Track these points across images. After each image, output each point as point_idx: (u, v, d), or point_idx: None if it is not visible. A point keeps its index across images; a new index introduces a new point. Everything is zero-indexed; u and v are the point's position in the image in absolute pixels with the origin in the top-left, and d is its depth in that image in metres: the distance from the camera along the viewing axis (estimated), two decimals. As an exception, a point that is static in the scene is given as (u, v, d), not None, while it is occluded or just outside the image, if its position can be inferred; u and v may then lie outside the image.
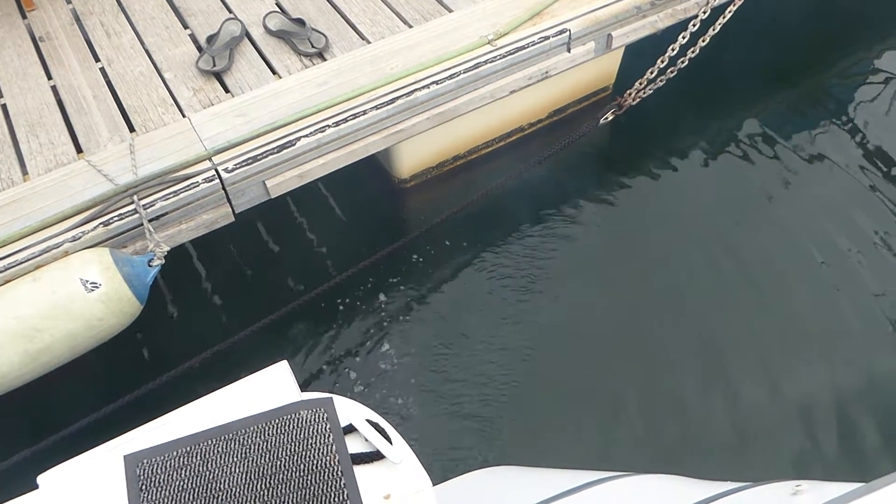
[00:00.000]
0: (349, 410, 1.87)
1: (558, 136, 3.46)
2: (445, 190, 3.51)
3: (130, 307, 2.48)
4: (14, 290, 2.37)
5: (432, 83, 2.96)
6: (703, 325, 2.99)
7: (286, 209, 3.46)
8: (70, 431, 2.41)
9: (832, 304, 3.04)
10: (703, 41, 3.35)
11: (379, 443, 1.88)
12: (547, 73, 3.23)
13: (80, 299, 2.37)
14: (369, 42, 3.18)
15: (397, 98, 2.91)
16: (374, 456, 1.85)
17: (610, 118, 3.40)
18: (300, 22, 3.21)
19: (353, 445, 1.75)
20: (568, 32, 3.15)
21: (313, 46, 3.13)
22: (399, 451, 1.89)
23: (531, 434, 2.73)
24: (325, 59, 3.11)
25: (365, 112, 2.87)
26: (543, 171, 3.42)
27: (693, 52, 3.36)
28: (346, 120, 2.85)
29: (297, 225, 3.43)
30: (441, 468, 2.58)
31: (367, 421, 1.91)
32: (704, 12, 3.35)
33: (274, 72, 3.09)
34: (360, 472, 1.70)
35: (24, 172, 2.78)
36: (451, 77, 2.99)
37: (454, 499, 2.07)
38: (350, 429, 1.81)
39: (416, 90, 2.94)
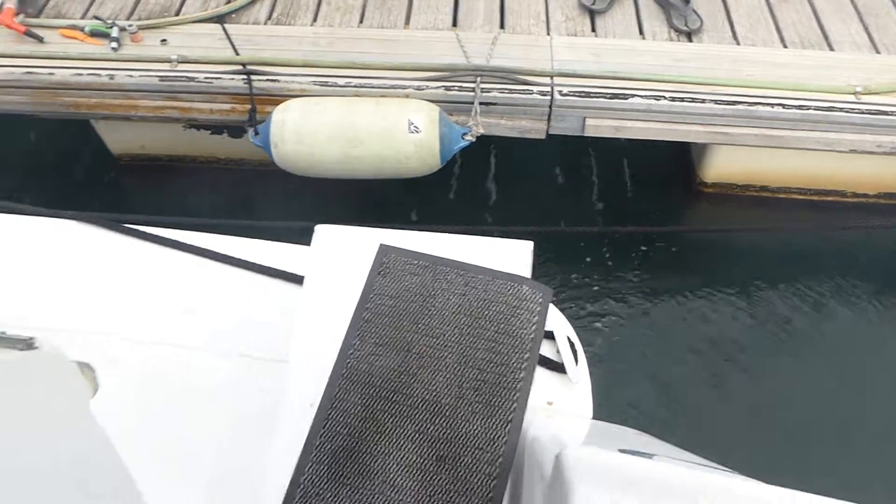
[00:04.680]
0: (557, 320, 2.06)
1: (875, 217, 3.31)
2: (737, 212, 3.50)
3: (432, 161, 2.85)
4: (359, 104, 2.84)
5: (778, 105, 2.96)
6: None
7: (585, 154, 3.65)
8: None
9: None
10: None
11: (567, 358, 2.07)
12: (899, 149, 3.08)
13: (401, 134, 2.78)
14: (738, 43, 3.23)
15: (739, 103, 2.96)
16: (557, 367, 2.04)
17: (940, 223, 3.17)
18: (686, -1, 3.35)
19: (544, 350, 1.94)
20: (943, 119, 2.97)
21: (686, 25, 3.25)
22: (580, 373, 2.07)
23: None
24: (690, 41, 3.23)
25: (703, 101, 2.96)
26: (840, 242, 3.30)
27: None
28: (682, 100, 2.96)
29: (585, 168, 3.62)
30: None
31: (567, 337, 2.11)
32: None
33: (641, 31, 3.26)
34: (539, 371, 1.89)
35: (406, 23, 3.25)
36: (799, 108, 2.96)
37: (597, 436, 2.20)
38: (549, 335, 2.01)
39: (759, 104, 2.96)
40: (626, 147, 3.55)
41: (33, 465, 0.85)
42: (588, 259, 3.28)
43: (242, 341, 2.10)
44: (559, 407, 1.99)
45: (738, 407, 2.89)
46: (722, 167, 3.42)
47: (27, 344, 0.79)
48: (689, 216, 3.50)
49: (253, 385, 2.04)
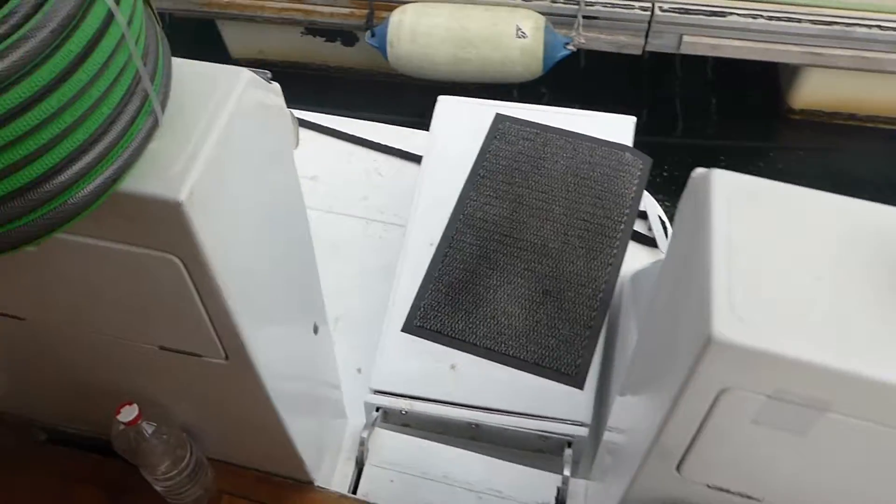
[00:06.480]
0: (648, 201, 2.25)
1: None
2: (823, 138, 3.57)
3: (535, 67, 3.04)
4: (471, 11, 3.04)
5: (875, 26, 3.02)
6: None
7: (672, 76, 3.75)
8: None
9: None
10: None
11: (659, 233, 2.26)
12: None
13: (508, 39, 2.97)
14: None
15: (835, 23, 3.03)
16: (649, 241, 2.24)
17: None
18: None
19: (637, 227, 2.12)
20: None
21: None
22: (670, 247, 2.26)
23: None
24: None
25: (799, 21, 3.05)
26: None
27: None
28: (779, 19, 3.06)
29: (670, 91, 3.71)
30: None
31: (658, 216, 2.30)
32: None
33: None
34: (632, 245, 2.07)
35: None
36: (896, 31, 3.03)
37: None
38: (642, 214, 2.20)
39: (856, 25, 3.03)
40: (713, 73, 3.65)
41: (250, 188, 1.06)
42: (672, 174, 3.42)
43: (360, 206, 2.35)
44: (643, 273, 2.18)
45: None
46: (811, 93, 3.49)
47: (268, 78, 1.03)
48: (776, 142, 3.59)
49: (371, 242, 2.29)
